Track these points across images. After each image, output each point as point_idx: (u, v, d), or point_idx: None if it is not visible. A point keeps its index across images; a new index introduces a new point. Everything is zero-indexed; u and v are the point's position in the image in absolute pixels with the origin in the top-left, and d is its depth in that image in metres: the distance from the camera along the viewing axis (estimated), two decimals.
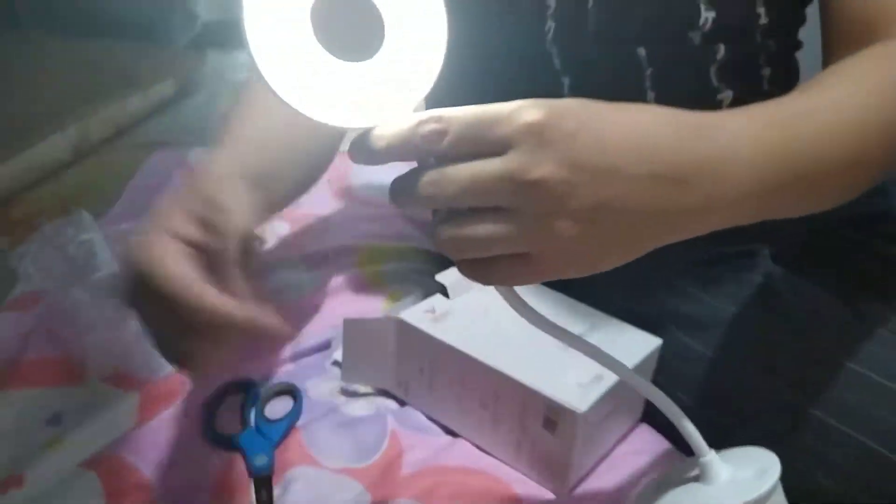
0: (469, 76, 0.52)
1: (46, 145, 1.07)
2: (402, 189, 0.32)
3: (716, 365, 0.57)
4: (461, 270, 0.35)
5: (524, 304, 0.38)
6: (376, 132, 0.32)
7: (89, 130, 1.13)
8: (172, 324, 0.39)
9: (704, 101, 0.52)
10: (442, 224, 0.33)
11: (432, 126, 0.30)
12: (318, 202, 0.94)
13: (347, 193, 0.98)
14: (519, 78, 0.54)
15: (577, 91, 0.52)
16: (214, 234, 0.39)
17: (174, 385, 0.63)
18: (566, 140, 0.30)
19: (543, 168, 0.30)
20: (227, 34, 1.50)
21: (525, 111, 0.30)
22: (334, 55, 0.31)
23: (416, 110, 0.32)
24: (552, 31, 0.51)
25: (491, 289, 0.62)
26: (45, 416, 0.61)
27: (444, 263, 0.64)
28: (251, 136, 0.52)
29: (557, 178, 0.30)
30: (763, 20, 0.50)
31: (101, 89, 1.19)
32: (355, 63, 0.31)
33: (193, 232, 0.40)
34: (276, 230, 0.90)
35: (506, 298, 0.37)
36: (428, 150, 0.31)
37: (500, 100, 0.43)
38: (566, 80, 0.53)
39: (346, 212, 0.93)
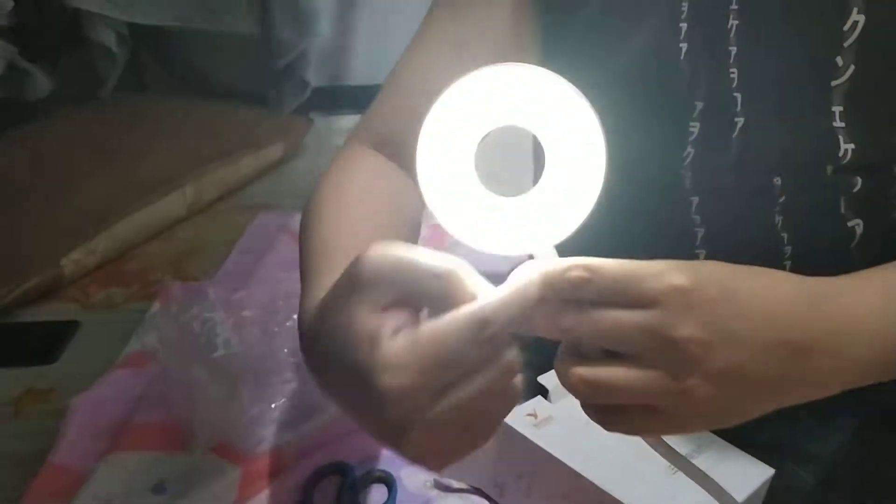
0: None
1: (164, 203, 1.14)
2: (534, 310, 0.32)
3: (826, 499, 0.54)
4: (587, 412, 0.35)
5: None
6: (523, 271, 0.32)
7: (202, 190, 1.20)
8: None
9: (833, 229, 0.52)
10: (570, 359, 0.33)
11: (580, 273, 0.32)
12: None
13: None
14: (648, 196, 0.55)
15: (706, 212, 0.54)
16: (438, 303, 0.31)
17: (274, 462, 0.65)
18: (709, 305, 0.32)
19: (687, 329, 0.32)
20: (333, 100, 1.57)
21: (672, 274, 0.32)
22: (490, 189, 0.33)
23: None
24: (691, 157, 0.52)
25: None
26: (151, 483, 0.63)
27: (540, 359, 0.64)
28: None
29: (698, 340, 0.32)
30: None
31: (216, 151, 1.26)
32: (510, 197, 0.33)
33: (406, 317, 0.32)
34: None
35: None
36: (571, 295, 0.32)
37: (625, 218, 0.45)
38: (695, 200, 0.53)
39: None
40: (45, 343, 0.87)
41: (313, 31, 1.49)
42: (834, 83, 0.47)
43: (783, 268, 0.51)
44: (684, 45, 0.50)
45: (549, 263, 0.33)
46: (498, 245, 0.33)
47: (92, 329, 0.91)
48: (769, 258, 0.53)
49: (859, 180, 0.50)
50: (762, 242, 0.53)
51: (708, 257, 0.54)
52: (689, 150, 0.52)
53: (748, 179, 0.52)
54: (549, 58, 0.56)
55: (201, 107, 1.42)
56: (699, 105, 0.51)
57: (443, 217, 0.33)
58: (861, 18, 0.45)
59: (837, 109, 0.48)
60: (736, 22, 0.48)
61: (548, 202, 0.34)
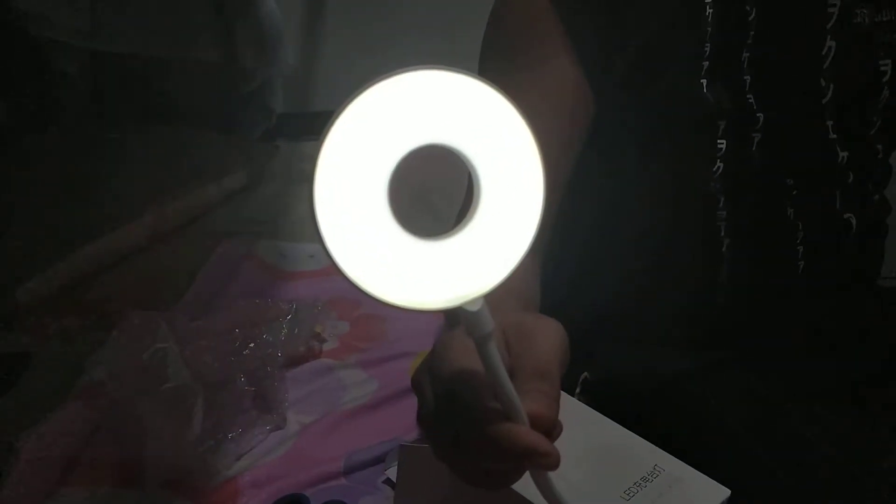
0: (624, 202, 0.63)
1: (125, 231, 1.12)
2: None
3: None
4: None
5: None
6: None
7: (163, 219, 1.18)
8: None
9: (832, 217, 0.61)
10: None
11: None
12: (376, 304, 0.95)
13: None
14: (680, 201, 0.62)
15: (730, 207, 0.60)
16: (519, 360, 0.36)
17: (229, 494, 0.63)
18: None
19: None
20: (299, 126, 1.57)
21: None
22: (410, 231, 0.28)
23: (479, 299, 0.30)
24: (721, 170, 0.59)
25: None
26: None
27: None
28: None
29: None
30: (880, 155, 0.61)
31: (179, 178, 1.25)
32: (433, 241, 0.29)
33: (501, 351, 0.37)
34: (336, 329, 0.91)
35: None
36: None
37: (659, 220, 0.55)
38: (721, 199, 0.60)
39: (406, 318, 0.93)
40: None
41: (278, 58, 1.49)
42: (823, 101, 0.57)
43: (797, 252, 0.61)
44: (705, 80, 0.57)
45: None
46: (411, 297, 0.28)
47: (46, 361, 0.89)
48: (785, 243, 0.61)
49: (851, 175, 0.60)
50: (779, 228, 0.60)
51: (731, 245, 0.61)
52: (719, 164, 0.59)
53: (767, 181, 0.60)
54: None
55: (164, 134, 1.41)
56: (722, 124, 0.58)
57: (343, 263, 0.27)
58: (833, 44, 0.56)
59: (830, 123, 0.58)
60: (748, 54, 0.57)
61: (475, 244, 0.29)
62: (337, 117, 0.26)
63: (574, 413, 0.61)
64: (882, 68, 0.58)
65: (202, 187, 1.24)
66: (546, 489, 0.38)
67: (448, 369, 0.35)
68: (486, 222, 0.29)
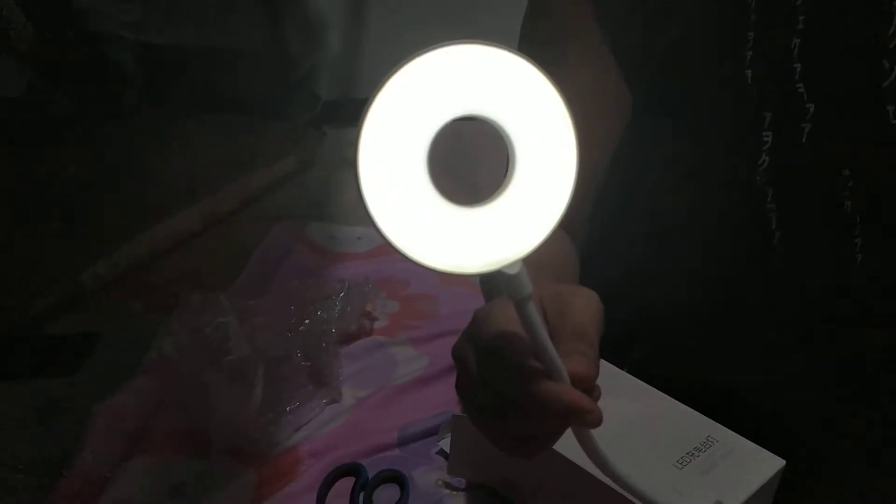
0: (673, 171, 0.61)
1: (182, 216, 1.16)
2: None
3: None
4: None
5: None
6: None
7: (218, 203, 1.22)
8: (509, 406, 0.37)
9: (894, 214, 0.57)
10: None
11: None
12: (428, 284, 0.97)
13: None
14: (726, 193, 0.60)
15: (780, 199, 0.58)
16: (557, 325, 0.37)
17: (289, 463, 0.66)
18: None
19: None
20: (345, 112, 1.59)
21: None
22: (449, 199, 0.30)
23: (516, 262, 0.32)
24: (766, 164, 0.57)
25: (603, 397, 0.62)
26: (169, 486, 0.64)
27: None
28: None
29: None
30: None
31: (231, 164, 1.28)
32: (470, 208, 0.30)
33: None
34: (386, 308, 0.93)
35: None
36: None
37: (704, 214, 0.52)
38: (769, 191, 0.58)
39: (454, 297, 0.95)
40: (67, 355, 0.89)
41: (323, 45, 1.51)
42: (884, 84, 0.53)
43: (854, 246, 0.58)
44: (749, 71, 0.55)
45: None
46: (452, 261, 0.30)
47: (113, 340, 0.93)
48: (842, 237, 0.58)
49: None
50: (835, 222, 0.57)
51: (781, 240, 0.58)
52: (765, 157, 0.57)
53: (819, 173, 0.56)
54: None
55: (216, 121, 1.45)
56: (768, 116, 0.55)
57: (386, 229, 0.28)
58: None
59: (891, 108, 0.53)
60: (798, 40, 0.54)
61: (511, 210, 0.30)
62: (379, 90, 0.27)
63: (625, 386, 0.61)
64: None
65: (254, 172, 1.28)
66: (591, 450, 0.39)
67: (489, 333, 0.36)
68: (521, 190, 0.31)
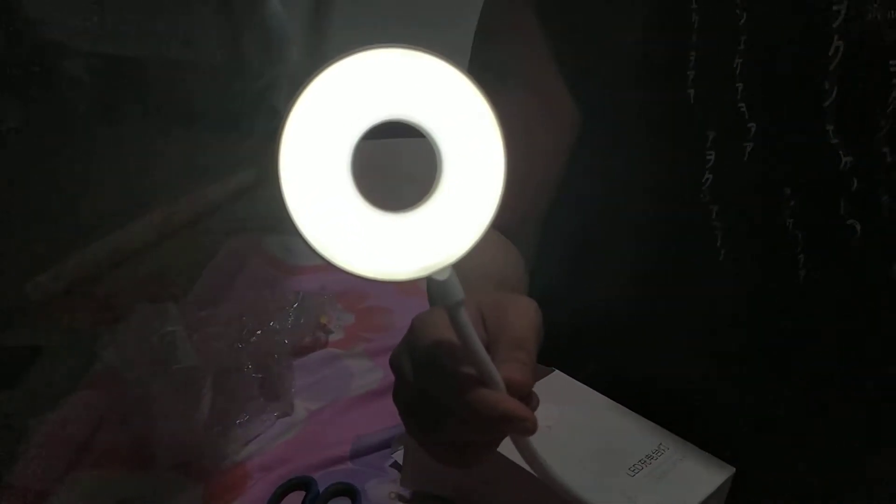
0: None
1: (134, 228, 1.13)
2: None
3: None
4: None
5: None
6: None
7: (173, 215, 1.20)
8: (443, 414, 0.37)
9: (837, 228, 0.58)
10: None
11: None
12: (386, 296, 0.96)
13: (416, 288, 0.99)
14: (670, 211, 0.60)
15: (725, 218, 0.59)
16: (495, 334, 0.37)
17: (238, 477, 0.64)
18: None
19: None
20: None
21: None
22: (376, 205, 0.30)
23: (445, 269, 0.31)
24: (710, 182, 0.57)
25: (553, 402, 0.62)
26: (114, 501, 0.62)
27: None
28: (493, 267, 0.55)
29: None
30: (889, 158, 0.56)
31: (188, 176, 1.26)
32: (398, 214, 0.30)
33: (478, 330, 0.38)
34: (342, 320, 0.92)
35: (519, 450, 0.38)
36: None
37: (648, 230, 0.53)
38: (714, 209, 0.59)
39: (412, 309, 0.94)
40: (7, 368, 0.86)
41: (283, 58, 1.50)
42: (825, 104, 0.54)
43: (798, 261, 0.58)
44: (692, 91, 0.55)
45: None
46: (379, 268, 0.30)
47: (56, 354, 0.90)
48: (784, 254, 0.59)
49: (855, 181, 0.56)
50: (778, 240, 0.58)
51: (727, 256, 0.59)
52: (708, 175, 0.57)
53: (761, 192, 0.57)
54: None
55: (172, 133, 1.42)
56: (711, 135, 0.56)
57: (309, 233, 0.28)
58: (841, 44, 0.52)
59: (830, 128, 0.55)
60: (740, 60, 0.55)
61: (440, 216, 0.30)
62: (300, 93, 0.27)
63: (578, 395, 0.62)
64: (892, 69, 0.54)
65: (211, 185, 1.26)
66: (530, 456, 0.39)
67: (425, 341, 0.36)
68: (449, 195, 0.30)
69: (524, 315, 0.38)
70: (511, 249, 0.61)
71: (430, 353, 0.35)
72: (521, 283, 0.60)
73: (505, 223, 0.65)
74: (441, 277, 0.31)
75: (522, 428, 0.34)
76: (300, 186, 0.28)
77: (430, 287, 0.31)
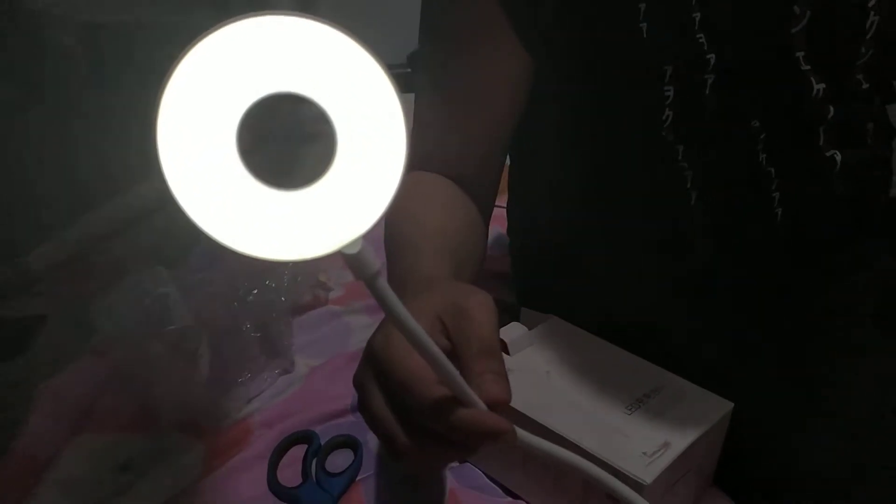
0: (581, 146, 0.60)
1: (135, 194, 1.13)
2: None
3: None
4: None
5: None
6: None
7: None
8: (404, 421, 0.37)
9: (815, 160, 0.56)
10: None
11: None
12: (381, 251, 0.95)
13: None
14: (634, 154, 0.58)
15: (692, 157, 0.56)
16: (462, 343, 0.37)
17: (240, 434, 0.65)
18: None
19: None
20: None
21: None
22: (265, 183, 0.27)
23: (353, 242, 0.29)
24: (670, 119, 0.54)
25: (551, 347, 0.61)
26: (117, 463, 0.63)
27: (505, 318, 0.64)
28: (444, 236, 0.54)
29: None
30: (864, 86, 0.55)
31: None
32: (296, 190, 0.28)
33: (440, 338, 0.38)
34: (341, 278, 0.91)
35: None
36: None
37: (615, 176, 0.54)
38: (680, 149, 0.56)
39: None
40: (11, 338, 0.87)
41: None
42: (794, 30, 0.51)
43: (772, 200, 0.56)
44: (645, 24, 0.52)
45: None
46: (280, 248, 0.28)
47: (61, 322, 0.91)
48: (759, 192, 0.56)
49: (832, 108, 0.54)
50: (751, 178, 0.56)
51: (699, 198, 0.57)
52: (668, 112, 0.54)
53: (728, 126, 0.54)
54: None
55: None
56: (668, 70, 0.53)
57: (198, 216, 0.26)
58: None
59: (800, 55, 0.52)
60: None
61: (341, 189, 0.28)
62: (179, 61, 0.25)
63: (575, 339, 0.61)
64: None
65: None
66: (526, 447, 0.39)
67: (392, 369, 0.36)
68: (348, 168, 0.28)
69: (485, 313, 0.37)
70: (461, 210, 0.60)
71: (400, 381, 0.35)
72: (477, 248, 0.60)
73: (464, 171, 0.63)
74: (352, 251, 0.29)
75: (503, 441, 0.35)
76: (183, 164, 0.26)
77: (346, 261, 0.30)
